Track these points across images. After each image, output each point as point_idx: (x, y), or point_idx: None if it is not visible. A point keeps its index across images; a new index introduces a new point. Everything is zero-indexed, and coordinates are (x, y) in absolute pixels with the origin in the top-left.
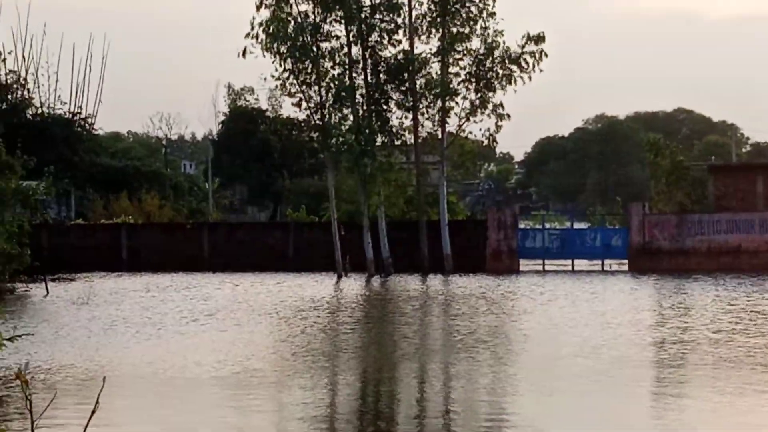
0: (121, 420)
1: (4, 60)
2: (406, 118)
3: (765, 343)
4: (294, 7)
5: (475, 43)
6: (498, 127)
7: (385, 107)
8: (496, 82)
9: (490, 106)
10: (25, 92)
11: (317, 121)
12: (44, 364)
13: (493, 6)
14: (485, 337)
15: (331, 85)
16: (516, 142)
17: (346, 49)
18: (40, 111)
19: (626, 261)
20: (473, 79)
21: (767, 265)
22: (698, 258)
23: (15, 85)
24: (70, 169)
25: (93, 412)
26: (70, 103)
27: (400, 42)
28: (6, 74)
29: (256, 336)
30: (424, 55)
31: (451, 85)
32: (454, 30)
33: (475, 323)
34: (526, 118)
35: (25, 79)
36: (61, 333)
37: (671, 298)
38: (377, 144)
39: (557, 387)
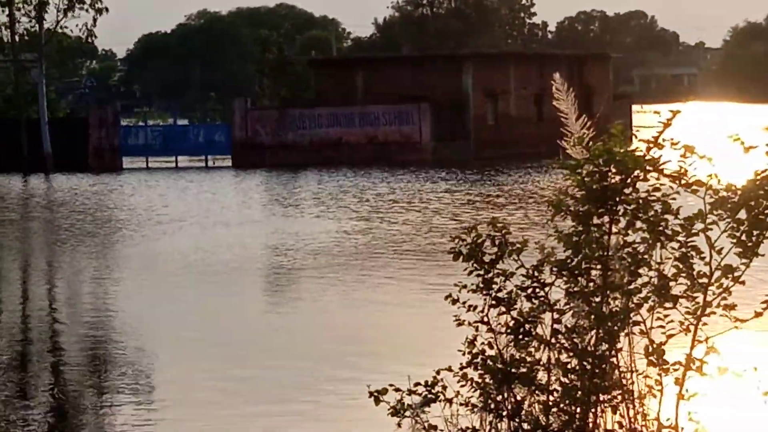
0: None
1: None
2: (2, 13)
3: (405, 230)
4: None
5: None
6: (95, 21)
7: None
8: None
9: (88, 1)
10: None
11: None
12: None
13: None
14: (90, 230)
15: None
16: (118, 39)
17: None
18: None
19: (230, 157)
20: None
21: (367, 158)
22: (301, 152)
23: None
24: None
25: None
26: None
27: None
28: None
29: None
30: None
31: None
32: None
33: (79, 219)
34: (128, 14)
35: None
36: None
37: (291, 191)
38: None
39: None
